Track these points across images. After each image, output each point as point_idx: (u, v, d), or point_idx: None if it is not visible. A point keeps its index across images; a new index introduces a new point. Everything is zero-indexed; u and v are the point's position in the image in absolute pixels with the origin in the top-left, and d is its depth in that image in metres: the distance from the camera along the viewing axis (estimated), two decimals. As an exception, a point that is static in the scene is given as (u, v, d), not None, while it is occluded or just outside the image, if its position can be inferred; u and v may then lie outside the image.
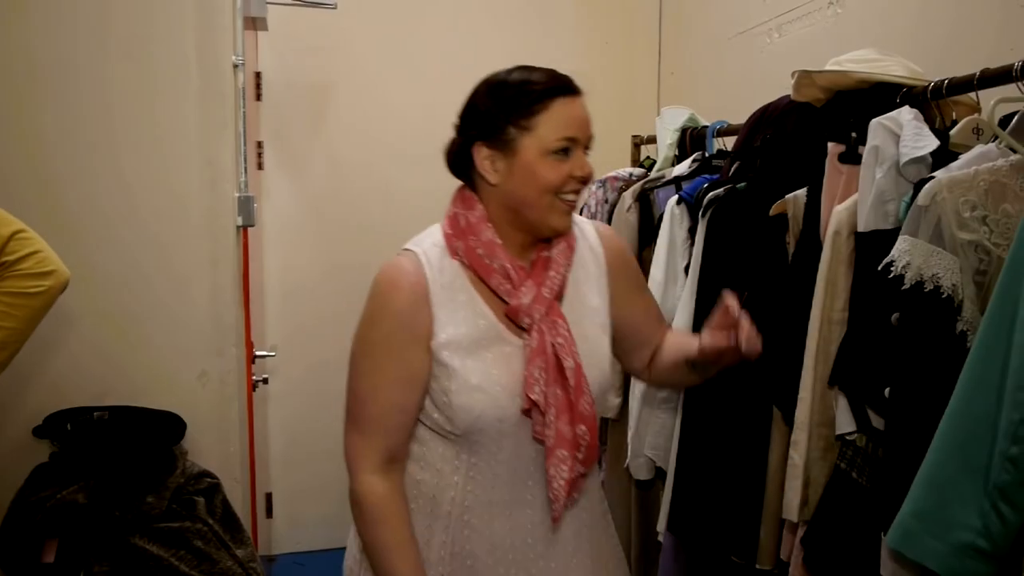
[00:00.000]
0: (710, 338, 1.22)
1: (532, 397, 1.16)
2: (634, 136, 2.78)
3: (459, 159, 1.23)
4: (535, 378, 1.17)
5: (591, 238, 1.32)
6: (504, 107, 1.17)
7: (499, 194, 1.19)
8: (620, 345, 1.36)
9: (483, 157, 1.18)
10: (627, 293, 1.34)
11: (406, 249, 1.24)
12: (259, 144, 2.92)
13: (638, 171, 2.41)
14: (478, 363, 1.19)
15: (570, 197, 1.18)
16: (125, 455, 1.91)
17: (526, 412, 1.19)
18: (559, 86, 1.17)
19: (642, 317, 1.38)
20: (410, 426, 1.24)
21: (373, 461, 1.21)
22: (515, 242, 1.21)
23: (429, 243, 1.23)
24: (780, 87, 1.74)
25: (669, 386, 1.58)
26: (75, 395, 2.06)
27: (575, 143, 1.17)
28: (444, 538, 1.24)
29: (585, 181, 1.19)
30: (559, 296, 1.23)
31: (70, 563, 1.79)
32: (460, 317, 1.19)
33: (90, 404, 2.05)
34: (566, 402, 1.18)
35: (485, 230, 1.19)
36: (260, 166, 2.94)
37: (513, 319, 1.20)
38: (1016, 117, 1.25)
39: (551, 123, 1.15)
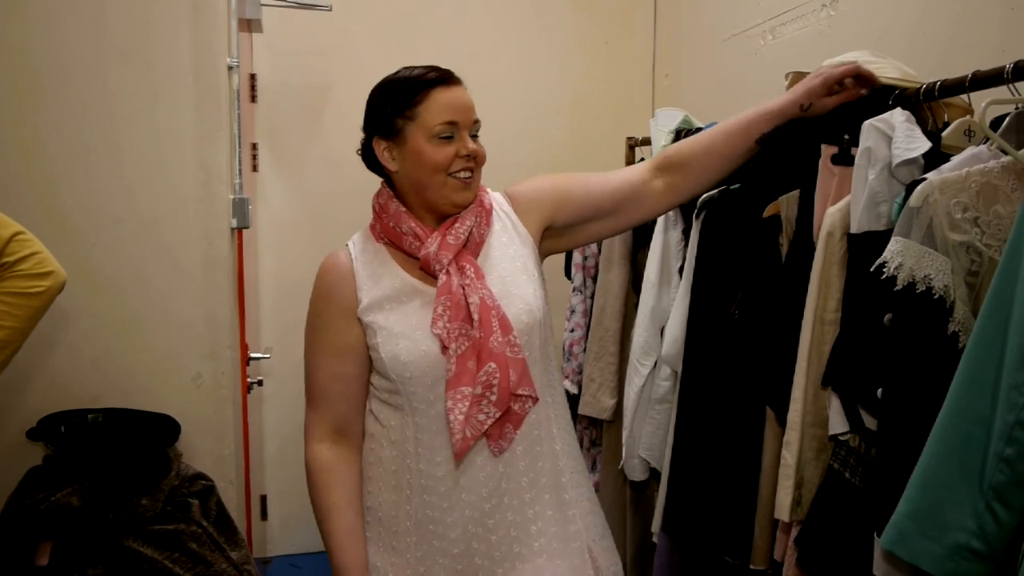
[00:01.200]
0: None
1: (434, 332, 1.26)
2: (629, 138, 2.79)
3: (368, 155, 1.40)
4: (438, 314, 1.27)
5: (498, 199, 1.43)
6: (391, 102, 1.32)
7: (401, 179, 1.35)
8: (613, 213, 1.45)
9: (382, 149, 1.34)
10: (556, 201, 1.43)
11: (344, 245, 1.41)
12: (254, 146, 2.92)
13: (633, 173, 2.41)
14: (399, 315, 1.31)
15: (463, 175, 1.31)
16: (119, 457, 1.91)
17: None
18: (436, 77, 1.30)
19: (585, 191, 1.44)
20: (351, 397, 1.36)
21: (321, 430, 1.36)
22: (429, 220, 1.35)
23: (357, 235, 1.42)
24: (774, 89, 1.75)
25: (708, 184, 1.53)
26: (69, 397, 2.06)
27: (456, 126, 1.29)
28: (408, 508, 1.31)
29: (471, 158, 1.30)
30: (472, 248, 1.33)
31: (64, 566, 1.79)
32: (381, 284, 1.33)
33: (84, 406, 2.05)
34: (474, 342, 1.26)
35: (391, 204, 1.35)
36: (255, 168, 2.94)
37: (426, 270, 1.32)
38: (1007, 119, 1.26)
39: (431, 110, 1.29)
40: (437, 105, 1.29)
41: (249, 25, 2.56)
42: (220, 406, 2.18)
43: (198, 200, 2.12)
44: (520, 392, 1.26)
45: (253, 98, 2.92)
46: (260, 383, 2.62)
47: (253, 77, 2.90)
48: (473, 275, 1.29)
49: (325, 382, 1.35)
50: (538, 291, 1.36)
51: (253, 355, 2.49)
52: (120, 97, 2.06)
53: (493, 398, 1.24)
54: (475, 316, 1.25)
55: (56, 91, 2.02)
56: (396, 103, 1.31)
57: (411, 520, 1.31)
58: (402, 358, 1.27)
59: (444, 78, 1.31)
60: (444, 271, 1.29)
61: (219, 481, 2.10)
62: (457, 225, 1.32)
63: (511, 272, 1.35)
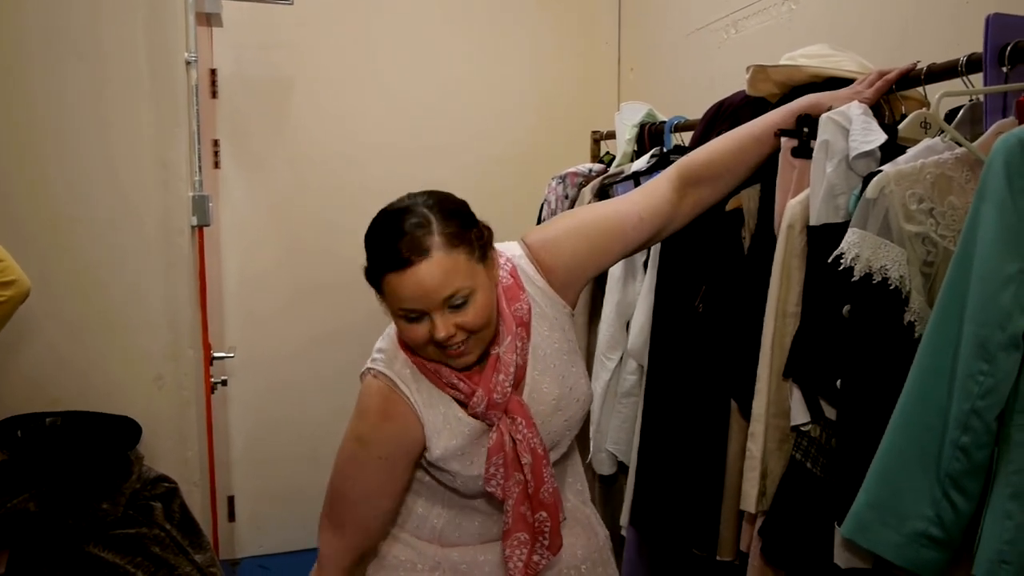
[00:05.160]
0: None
1: (489, 490, 1.25)
2: (594, 132, 2.79)
3: None
4: (491, 473, 1.25)
5: (532, 275, 1.31)
6: (367, 261, 1.18)
7: None
8: (646, 243, 1.41)
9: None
10: (597, 264, 1.36)
11: (380, 372, 1.25)
12: (215, 142, 2.87)
13: (597, 166, 2.42)
14: (475, 458, 1.27)
15: (451, 349, 1.17)
16: (78, 461, 1.87)
17: None
18: (387, 263, 1.13)
19: (624, 243, 1.36)
20: (387, 526, 1.35)
21: (345, 562, 1.31)
22: None
23: (399, 364, 1.25)
24: (736, 82, 1.76)
25: (731, 190, 1.48)
26: (26, 401, 2.01)
27: (417, 311, 1.15)
28: (437, 523, 1.35)
29: (445, 341, 1.15)
30: (518, 375, 1.26)
31: (23, 574, 1.75)
32: (446, 431, 1.25)
33: (42, 410, 2.01)
34: (523, 491, 1.26)
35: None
36: (216, 165, 2.90)
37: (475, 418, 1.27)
38: (961, 111, 1.28)
39: (389, 295, 1.16)
40: (392, 292, 1.15)
41: (208, 19, 2.52)
42: (183, 407, 2.15)
43: (157, 198, 2.09)
44: (561, 519, 1.32)
45: (214, 94, 2.87)
46: (224, 383, 2.59)
47: (214, 72, 2.86)
48: (524, 427, 1.24)
49: (373, 517, 1.31)
50: (584, 367, 1.37)
51: (216, 355, 2.45)
52: (74, 93, 2.02)
53: (546, 542, 1.30)
54: (528, 477, 1.25)
55: (6, 88, 1.97)
56: (368, 271, 1.19)
57: (436, 532, 1.36)
58: (480, 491, 1.29)
59: (394, 264, 1.12)
60: (496, 427, 1.25)
61: (183, 483, 2.07)
62: (501, 376, 1.22)
63: (562, 366, 1.32)
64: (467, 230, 1.17)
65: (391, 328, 1.29)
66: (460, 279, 1.14)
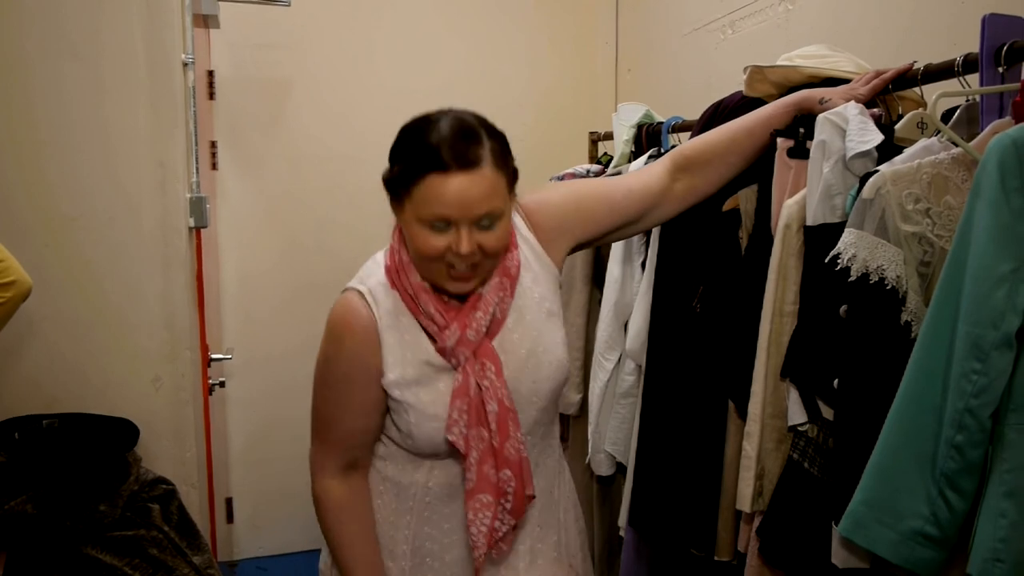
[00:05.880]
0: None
1: (450, 439, 1.20)
2: (591, 132, 2.80)
3: None
4: (454, 420, 1.21)
5: (522, 229, 1.32)
6: (396, 159, 1.18)
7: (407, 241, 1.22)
8: (635, 223, 1.43)
9: (391, 200, 1.21)
10: (583, 225, 1.37)
11: (351, 287, 1.26)
12: (213, 144, 2.87)
13: (595, 167, 2.42)
14: (431, 393, 1.23)
15: (457, 270, 1.17)
16: (76, 463, 1.87)
17: None
18: (434, 163, 1.11)
19: (609, 209, 1.39)
20: (371, 441, 1.33)
21: (333, 468, 1.31)
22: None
23: (374, 281, 1.25)
24: (733, 83, 1.76)
25: (724, 182, 1.49)
26: (23, 403, 2.01)
27: (449, 220, 1.13)
28: (407, 532, 1.31)
29: (465, 257, 1.14)
30: (495, 325, 1.24)
31: None
32: (408, 356, 1.23)
33: (39, 412, 2.00)
34: (489, 445, 1.22)
35: (413, 273, 1.22)
36: (214, 166, 2.90)
37: (444, 357, 1.24)
38: (957, 111, 1.28)
39: (422, 197, 1.13)
40: (428, 194, 1.12)
41: (206, 21, 2.52)
42: (180, 409, 2.15)
43: (154, 199, 2.08)
44: (528, 494, 1.27)
45: (211, 95, 2.87)
46: (222, 384, 2.59)
47: (211, 74, 2.86)
48: (493, 374, 1.21)
49: (348, 434, 1.30)
50: (563, 335, 1.34)
51: (214, 356, 2.45)
52: (72, 94, 2.01)
53: (508, 506, 1.25)
54: (493, 426, 1.21)
55: (5, 88, 1.97)
56: (398, 168, 1.17)
57: (408, 544, 1.32)
58: (436, 439, 1.23)
59: (442, 164, 1.10)
60: (461, 368, 1.22)
61: (181, 485, 2.07)
62: (479, 314, 1.21)
63: (539, 322, 1.29)
64: (507, 155, 1.19)
65: (380, 255, 1.29)
66: (498, 200, 1.14)
